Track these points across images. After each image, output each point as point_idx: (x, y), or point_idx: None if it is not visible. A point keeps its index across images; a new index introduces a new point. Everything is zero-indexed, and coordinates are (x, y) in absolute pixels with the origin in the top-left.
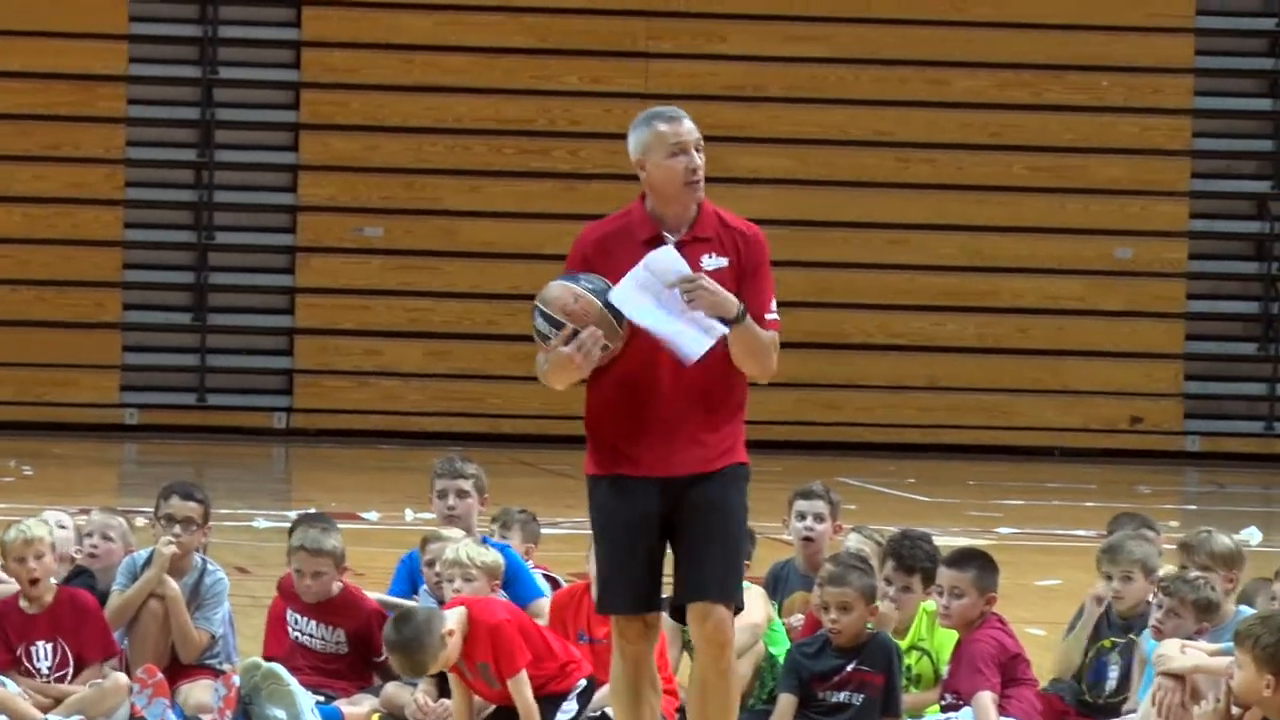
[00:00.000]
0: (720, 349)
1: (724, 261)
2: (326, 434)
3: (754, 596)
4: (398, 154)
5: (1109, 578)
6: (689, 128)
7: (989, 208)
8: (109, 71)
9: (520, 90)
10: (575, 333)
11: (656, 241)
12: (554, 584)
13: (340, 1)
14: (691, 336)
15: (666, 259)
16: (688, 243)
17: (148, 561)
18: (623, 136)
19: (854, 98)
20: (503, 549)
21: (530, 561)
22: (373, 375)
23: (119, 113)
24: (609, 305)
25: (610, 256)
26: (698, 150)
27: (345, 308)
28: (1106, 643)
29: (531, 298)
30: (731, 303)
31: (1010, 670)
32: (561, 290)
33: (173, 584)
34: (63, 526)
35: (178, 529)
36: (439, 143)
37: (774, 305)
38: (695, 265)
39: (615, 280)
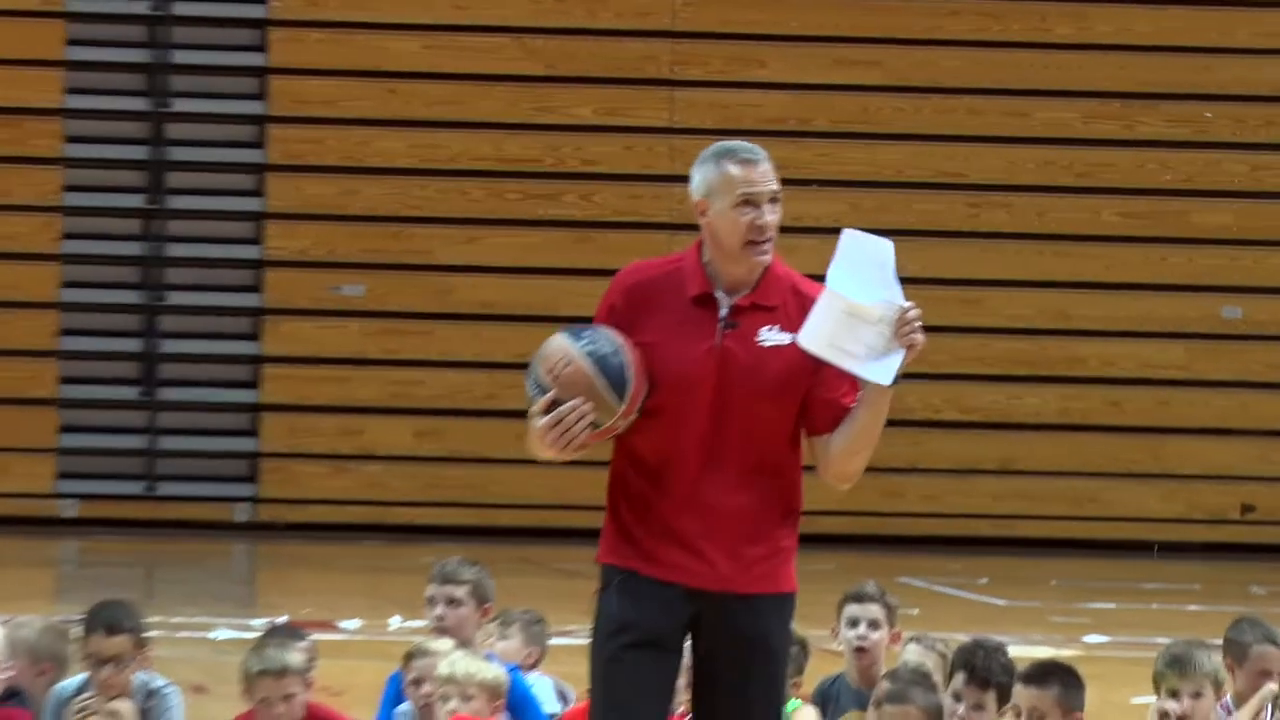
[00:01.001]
0: (788, 422)
1: (785, 338)
2: (297, 528)
3: (805, 718)
4: (381, 199)
5: (1174, 694)
6: (765, 173)
7: (1075, 260)
8: (42, 104)
9: (524, 125)
10: (556, 403)
11: (707, 302)
12: (564, 700)
13: (313, 21)
14: (879, 362)
15: (880, 252)
16: (745, 309)
17: (79, 690)
18: (644, 178)
19: (915, 132)
20: (511, 670)
21: (536, 671)
22: (352, 459)
23: (54, 152)
24: (610, 373)
25: (647, 309)
26: (773, 203)
27: (319, 379)
28: None
29: None
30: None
31: None
32: (557, 347)
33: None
34: None
35: (106, 669)
36: (429, 185)
37: None
38: (751, 338)
39: (643, 340)
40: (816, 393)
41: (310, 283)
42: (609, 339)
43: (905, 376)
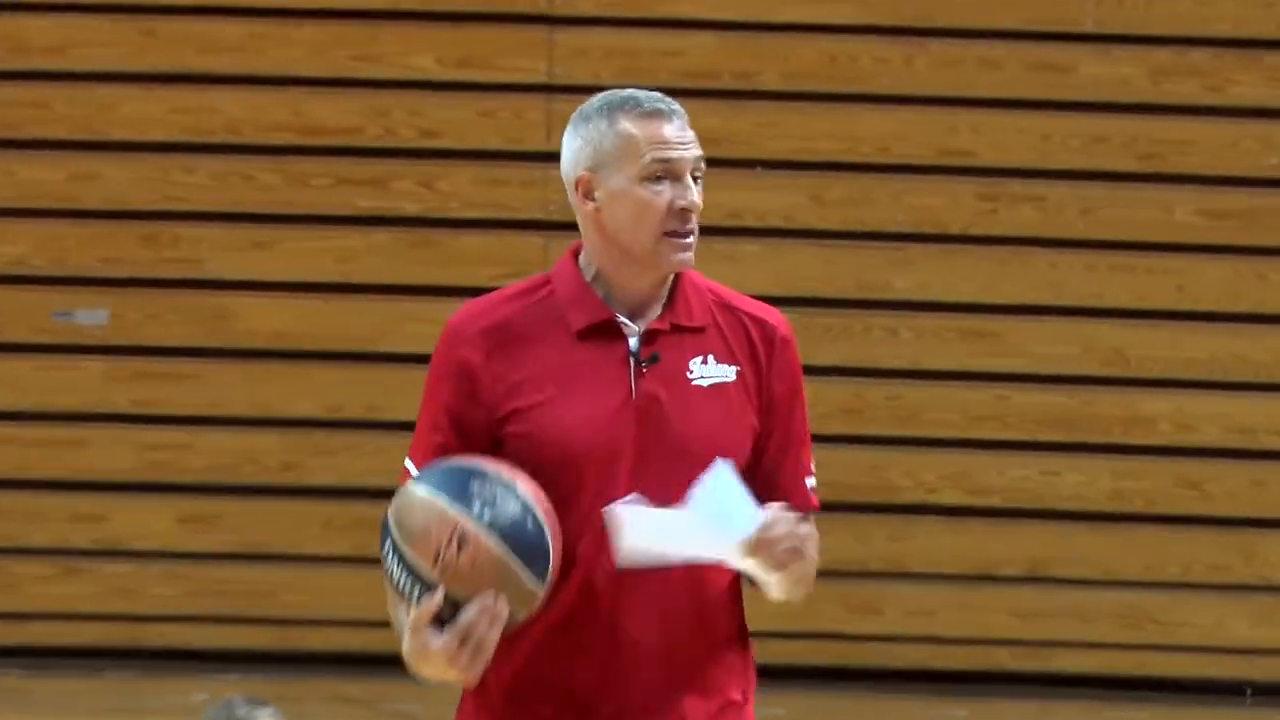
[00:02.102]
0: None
1: (729, 372)
2: (16, 654)
3: None
4: (130, 187)
5: None
6: (683, 132)
7: (1135, 278)
8: None
9: (336, 80)
10: (456, 606)
11: (605, 332)
12: None
13: None
14: (720, 546)
15: (724, 489)
16: (664, 334)
17: None
18: (509, 156)
19: (905, 92)
20: None
21: None
22: (91, 556)
23: None
24: (526, 549)
25: (515, 359)
26: (696, 177)
27: (44, 443)
28: None
29: (363, 427)
30: (812, 562)
31: None
32: (437, 517)
33: None
34: None
35: None
36: (198, 167)
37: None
38: (680, 376)
39: (520, 404)
40: (770, 458)
41: (29, 306)
42: (509, 491)
43: (887, 442)
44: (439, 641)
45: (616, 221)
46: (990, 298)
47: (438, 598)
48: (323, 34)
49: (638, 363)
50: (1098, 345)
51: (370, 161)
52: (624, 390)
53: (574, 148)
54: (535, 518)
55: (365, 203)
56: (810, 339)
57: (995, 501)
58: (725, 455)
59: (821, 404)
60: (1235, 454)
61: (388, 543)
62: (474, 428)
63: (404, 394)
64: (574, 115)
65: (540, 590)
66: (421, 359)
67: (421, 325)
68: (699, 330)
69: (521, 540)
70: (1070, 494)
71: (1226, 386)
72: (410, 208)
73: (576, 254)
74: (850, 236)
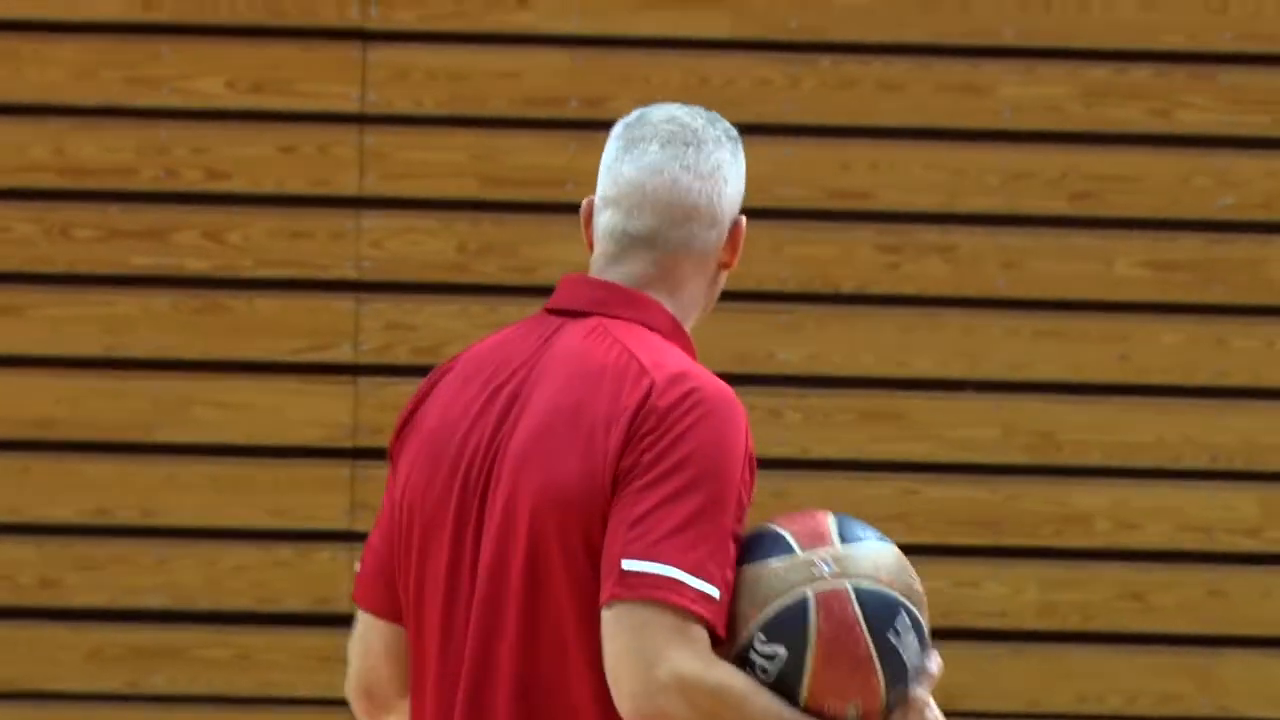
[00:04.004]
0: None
1: None
2: None
3: None
4: None
5: None
6: None
7: (1052, 342)
8: None
9: (106, 109)
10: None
11: None
12: None
13: None
14: None
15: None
16: None
17: None
18: (316, 201)
19: (790, 121)
20: None
21: None
22: None
23: None
24: None
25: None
26: None
27: None
28: None
29: (136, 534)
30: None
31: None
32: (909, 571)
33: None
34: None
35: None
36: None
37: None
38: None
39: None
40: None
41: None
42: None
43: None
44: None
45: (718, 280)
46: (894, 370)
47: (936, 669)
48: (88, 53)
49: None
50: (1023, 427)
51: (147, 208)
52: None
53: (738, 175)
54: None
55: (140, 259)
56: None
57: (1003, 626)
58: None
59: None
60: (1187, 557)
61: (904, 618)
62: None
63: (186, 493)
64: (719, 131)
65: None
66: (207, 450)
67: (207, 410)
68: None
69: None
70: (991, 608)
71: (1177, 475)
72: (195, 265)
73: (658, 313)
74: (723, 297)
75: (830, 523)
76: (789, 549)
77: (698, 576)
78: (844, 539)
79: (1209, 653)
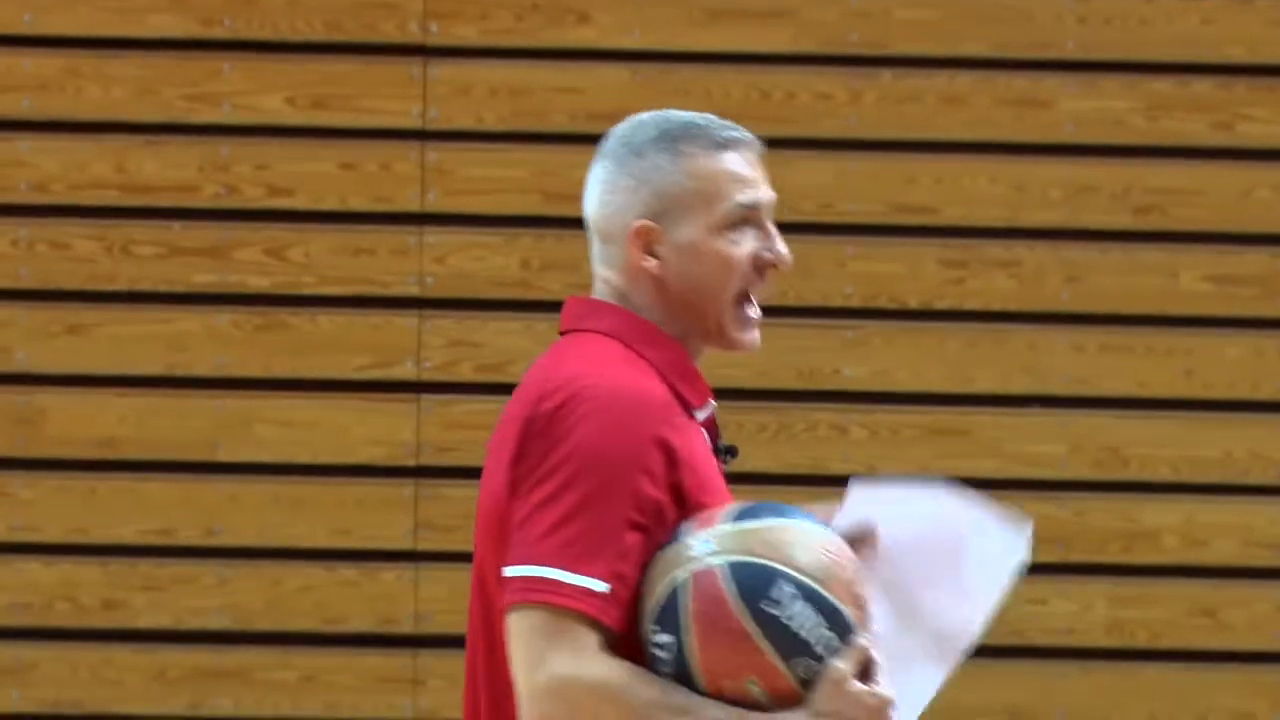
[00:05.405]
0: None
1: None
2: None
3: None
4: None
5: None
6: (758, 165)
7: (1118, 357)
8: None
9: (165, 125)
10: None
11: (709, 422)
12: None
13: None
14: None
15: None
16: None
17: None
18: (378, 218)
19: (853, 136)
20: None
21: None
22: None
23: None
24: None
25: (693, 454)
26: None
27: None
28: None
29: (200, 555)
30: None
31: None
32: (830, 547)
33: None
34: None
35: None
36: None
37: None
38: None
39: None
40: None
41: None
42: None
43: None
44: (881, 689)
45: (689, 280)
46: (959, 386)
47: (864, 643)
48: (149, 70)
49: (718, 456)
50: (1089, 443)
51: (208, 225)
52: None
53: (623, 189)
54: None
55: (202, 277)
56: (741, 439)
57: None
58: None
59: None
60: (1258, 574)
61: (785, 587)
62: (668, 528)
63: (250, 513)
64: (613, 147)
65: None
66: (269, 469)
67: (269, 428)
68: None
69: None
70: (1059, 626)
71: (1245, 490)
72: (256, 282)
73: (632, 321)
74: (788, 313)
75: (734, 507)
76: (678, 536)
77: (576, 572)
78: (739, 519)
79: None
